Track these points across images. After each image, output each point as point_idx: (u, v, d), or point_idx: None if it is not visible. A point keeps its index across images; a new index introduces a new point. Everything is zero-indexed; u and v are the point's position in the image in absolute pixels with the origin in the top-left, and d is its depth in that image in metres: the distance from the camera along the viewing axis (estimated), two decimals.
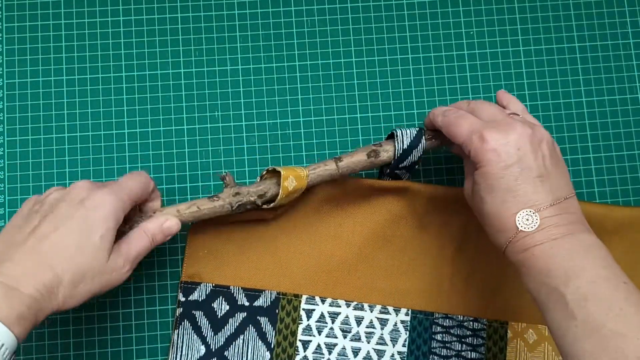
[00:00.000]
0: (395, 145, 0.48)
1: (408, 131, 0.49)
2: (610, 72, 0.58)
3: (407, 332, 0.52)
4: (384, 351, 0.51)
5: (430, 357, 0.51)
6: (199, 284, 0.51)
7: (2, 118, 0.55)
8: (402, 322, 0.52)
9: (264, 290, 0.52)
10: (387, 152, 0.49)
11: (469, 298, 0.52)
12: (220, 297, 0.51)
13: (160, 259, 0.54)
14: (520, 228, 0.40)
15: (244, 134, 0.56)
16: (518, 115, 0.46)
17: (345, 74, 0.57)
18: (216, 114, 0.56)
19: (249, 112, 0.56)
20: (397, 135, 0.48)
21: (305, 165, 0.50)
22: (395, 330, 0.52)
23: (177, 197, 0.55)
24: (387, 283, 0.52)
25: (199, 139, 0.56)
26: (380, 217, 0.53)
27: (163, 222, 0.45)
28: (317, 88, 0.57)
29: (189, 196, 0.55)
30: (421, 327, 0.52)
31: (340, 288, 0.52)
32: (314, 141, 0.56)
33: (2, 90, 0.56)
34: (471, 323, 0.52)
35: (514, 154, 0.41)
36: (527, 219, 0.40)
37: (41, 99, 0.56)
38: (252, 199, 0.48)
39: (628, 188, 0.56)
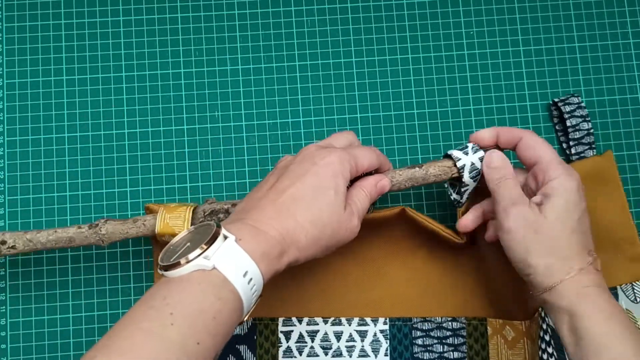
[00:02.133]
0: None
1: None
2: (610, 72, 0.58)
3: (388, 341, 0.51)
4: None
5: None
6: None
7: (2, 118, 0.55)
8: (382, 331, 0.52)
9: None
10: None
11: (445, 298, 0.52)
12: None
13: None
14: None
15: (244, 134, 0.56)
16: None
17: (345, 74, 0.57)
18: (216, 114, 0.56)
19: (249, 112, 0.56)
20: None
21: None
22: (375, 340, 0.51)
23: (177, 197, 0.55)
24: (361, 294, 0.52)
25: (199, 139, 0.56)
26: None
27: (378, 181, 0.46)
28: (317, 88, 0.57)
29: (189, 196, 0.55)
30: (401, 334, 0.52)
31: (315, 305, 0.52)
32: (314, 141, 0.56)
33: (2, 90, 0.56)
34: (450, 323, 0.52)
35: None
36: None
37: (41, 99, 0.56)
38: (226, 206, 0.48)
39: (628, 188, 0.56)
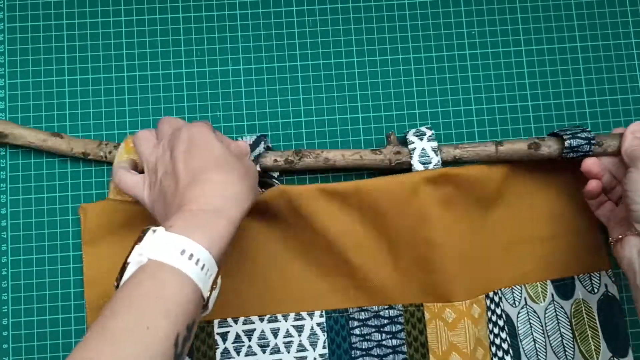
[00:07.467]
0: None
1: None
2: (612, 71, 0.58)
3: (325, 334, 0.52)
4: (306, 357, 0.51)
5: (352, 352, 0.51)
6: None
7: (4, 118, 0.56)
8: (318, 324, 0.52)
9: None
10: (548, 147, 0.51)
11: (381, 287, 0.52)
12: None
13: None
14: None
15: (245, 134, 0.56)
16: None
17: (345, 74, 0.57)
18: (218, 114, 0.56)
19: (250, 112, 0.56)
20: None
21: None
22: (313, 334, 0.51)
23: None
24: (297, 289, 0.52)
25: None
26: (279, 225, 0.52)
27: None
28: (318, 88, 0.57)
29: None
30: (338, 325, 0.52)
31: (251, 304, 0.52)
32: (315, 141, 0.56)
33: (4, 90, 0.56)
34: (387, 311, 0.52)
35: None
36: None
37: (43, 99, 0.56)
38: (409, 160, 0.52)
39: None
